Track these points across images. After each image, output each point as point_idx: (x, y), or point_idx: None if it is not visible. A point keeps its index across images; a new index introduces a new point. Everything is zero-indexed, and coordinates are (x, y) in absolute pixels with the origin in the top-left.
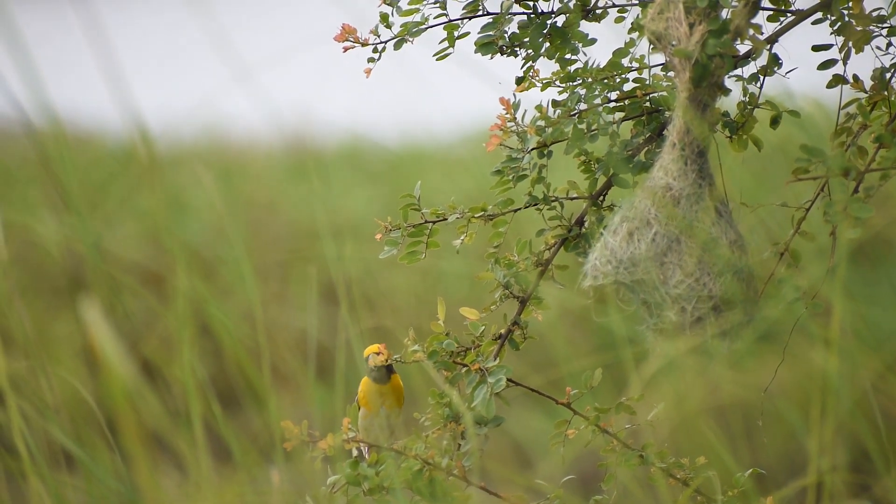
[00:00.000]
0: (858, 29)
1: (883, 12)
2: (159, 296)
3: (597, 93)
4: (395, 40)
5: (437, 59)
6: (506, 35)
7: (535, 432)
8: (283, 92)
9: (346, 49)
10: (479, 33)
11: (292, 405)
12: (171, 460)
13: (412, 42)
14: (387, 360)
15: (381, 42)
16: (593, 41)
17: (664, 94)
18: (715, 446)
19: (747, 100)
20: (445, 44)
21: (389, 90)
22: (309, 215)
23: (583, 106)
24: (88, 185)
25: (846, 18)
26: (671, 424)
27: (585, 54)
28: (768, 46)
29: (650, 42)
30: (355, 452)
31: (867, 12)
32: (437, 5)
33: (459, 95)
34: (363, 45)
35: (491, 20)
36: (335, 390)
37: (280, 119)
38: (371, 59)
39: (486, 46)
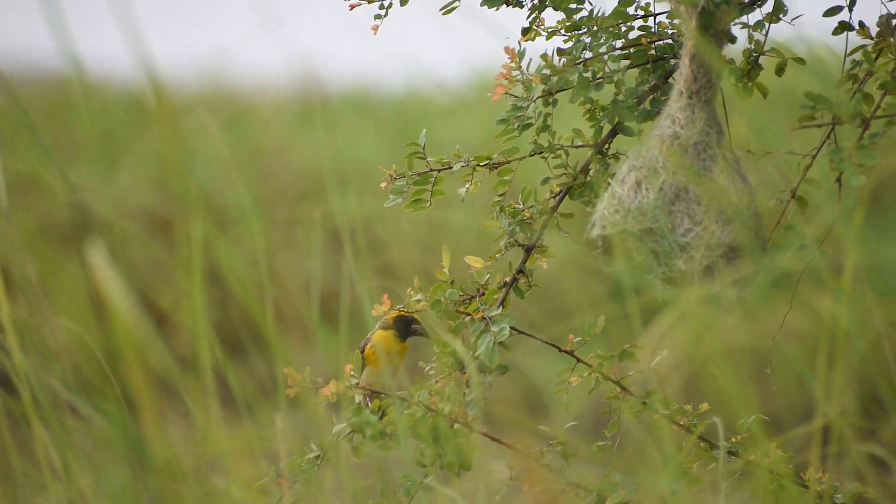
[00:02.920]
0: None
1: None
2: (167, 242)
3: (602, 41)
4: None
5: (443, 14)
6: None
7: (550, 378)
8: (291, 41)
9: (352, 7)
10: None
11: (299, 350)
12: (178, 408)
13: None
14: (406, 313)
15: None
16: None
17: (670, 41)
18: (725, 393)
19: (753, 47)
20: None
21: (396, 40)
22: (316, 162)
23: (588, 54)
24: (97, 131)
25: None
26: (682, 373)
27: (591, 3)
28: None
29: None
30: (358, 399)
31: None
32: None
33: (466, 42)
34: (370, 1)
35: None
36: (341, 334)
37: (289, 67)
38: (378, 17)
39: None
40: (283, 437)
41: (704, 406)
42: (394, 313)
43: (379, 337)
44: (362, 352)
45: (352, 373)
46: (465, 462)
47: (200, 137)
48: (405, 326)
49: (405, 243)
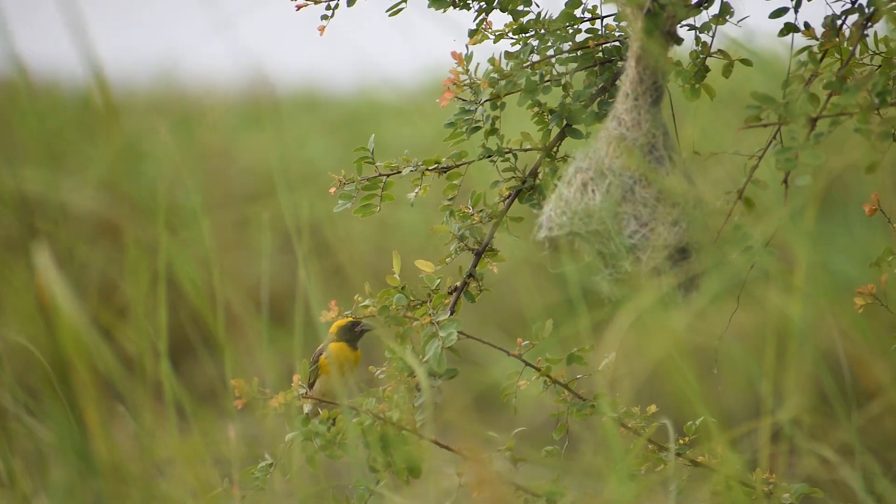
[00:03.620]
0: None
1: None
2: (116, 245)
3: (550, 44)
4: None
5: (390, 15)
6: None
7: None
8: (241, 41)
9: (298, 7)
10: None
11: (250, 351)
12: (129, 411)
13: None
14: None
15: None
16: None
17: (616, 44)
18: (676, 394)
19: (700, 49)
20: None
21: (347, 39)
22: (266, 163)
23: (536, 57)
24: (45, 133)
25: None
26: (634, 375)
27: (538, 5)
28: None
29: None
30: (308, 409)
31: None
32: None
33: (416, 45)
34: (316, 2)
35: None
36: (294, 336)
37: (238, 68)
38: (325, 17)
39: (440, 1)
40: (232, 442)
41: (652, 408)
42: (338, 323)
43: (333, 348)
44: (316, 362)
45: (300, 383)
46: (415, 469)
47: (150, 138)
48: (352, 334)
49: (356, 243)
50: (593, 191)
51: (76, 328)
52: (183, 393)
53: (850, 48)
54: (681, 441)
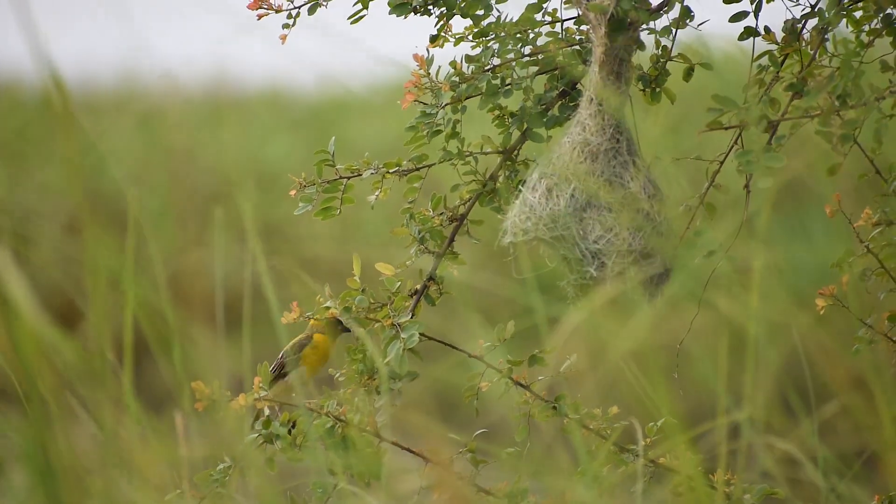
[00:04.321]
0: None
1: None
2: (80, 244)
3: (510, 48)
4: (309, 5)
5: (351, 23)
6: None
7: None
8: (203, 40)
9: (259, 17)
10: None
11: (209, 351)
12: (89, 413)
13: (325, 6)
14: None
15: (295, 7)
16: None
17: (577, 47)
18: (638, 395)
19: (660, 53)
20: (360, 6)
21: (309, 40)
22: (229, 162)
23: (496, 61)
24: (5, 133)
25: None
26: (596, 376)
27: (498, 10)
28: None
29: None
30: (267, 411)
31: None
32: None
33: (379, 43)
34: (277, 11)
35: None
36: (245, 336)
37: (201, 66)
38: (286, 25)
39: (401, 7)
40: (186, 444)
41: (614, 409)
42: (329, 315)
43: (319, 340)
44: (299, 352)
45: (260, 385)
46: (374, 472)
47: (112, 137)
48: (337, 330)
49: (319, 240)
50: (558, 196)
51: (35, 330)
52: (133, 396)
53: (811, 51)
54: (643, 442)
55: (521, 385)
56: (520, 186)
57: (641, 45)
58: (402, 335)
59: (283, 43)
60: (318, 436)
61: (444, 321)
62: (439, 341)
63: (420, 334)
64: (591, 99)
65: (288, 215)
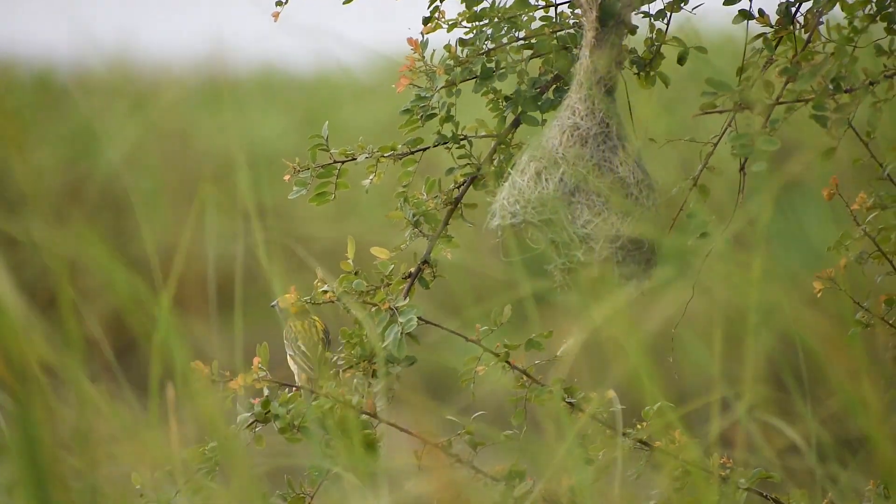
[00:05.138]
0: None
1: None
2: (74, 227)
3: (504, 32)
4: None
5: (344, 4)
6: None
7: (458, 363)
8: (194, 20)
9: None
10: None
11: (209, 331)
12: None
13: None
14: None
15: None
16: None
17: (571, 31)
18: (631, 377)
19: (654, 37)
20: None
21: (302, 19)
22: (223, 145)
23: (490, 45)
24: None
25: None
26: (589, 359)
27: None
28: None
29: None
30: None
31: None
32: None
33: (373, 24)
34: None
35: None
36: (249, 318)
37: (195, 47)
38: (279, 3)
39: None
40: (175, 431)
41: (610, 393)
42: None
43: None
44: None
45: (259, 366)
46: (375, 454)
47: (106, 119)
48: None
49: (315, 220)
50: (546, 179)
51: (15, 315)
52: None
53: (805, 35)
54: (638, 426)
55: (518, 369)
56: (509, 169)
57: (633, 29)
58: (400, 319)
59: (275, 20)
60: (316, 416)
61: (434, 304)
62: (437, 325)
63: (418, 318)
64: (581, 82)
65: (282, 196)
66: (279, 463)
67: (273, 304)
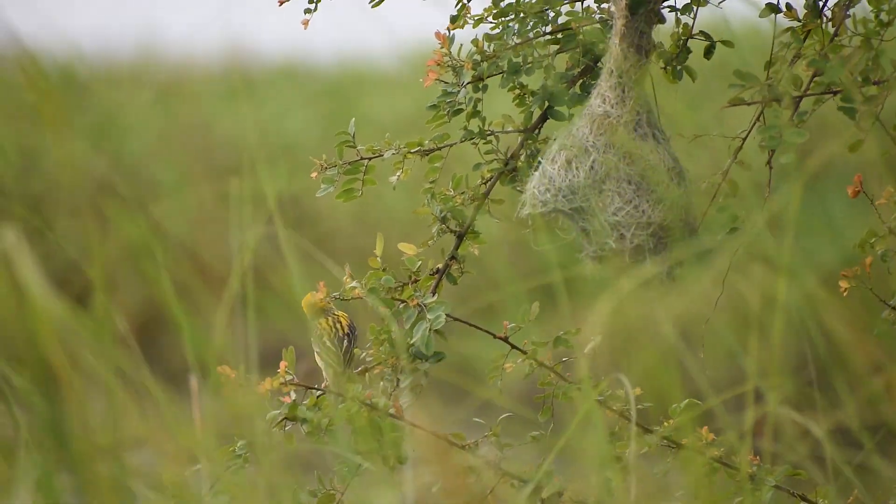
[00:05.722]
0: None
1: None
2: (100, 218)
3: (530, 27)
4: None
5: (372, 7)
6: None
7: (479, 356)
8: (218, 11)
9: (281, 2)
10: None
11: (229, 323)
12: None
13: None
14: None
15: None
16: None
17: (597, 26)
18: (654, 373)
19: (680, 31)
20: None
21: (328, 13)
22: (247, 136)
23: (517, 40)
24: (30, 104)
25: None
26: (612, 352)
27: None
28: None
29: None
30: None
31: None
32: None
33: (398, 17)
34: None
35: None
36: (270, 312)
37: (219, 39)
38: (308, 10)
39: None
40: (202, 414)
41: (637, 391)
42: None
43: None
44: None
45: (287, 370)
46: (402, 456)
47: (130, 111)
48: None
49: (338, 215)
50: (577, 168)
51: (45, 306)
52: (148, 373)
53: (833, 29)
54: (665, 423)
55: (547, 367)
56: (540, 159)
57: (662, 19)
58: (429, 316)
59: (305, 28)
60: (344, 420)
61: (446, 293)
62: (465, 322)
63: (447, 315)
64: (612, 71)
65: (306, 189)
66: (302, 448)
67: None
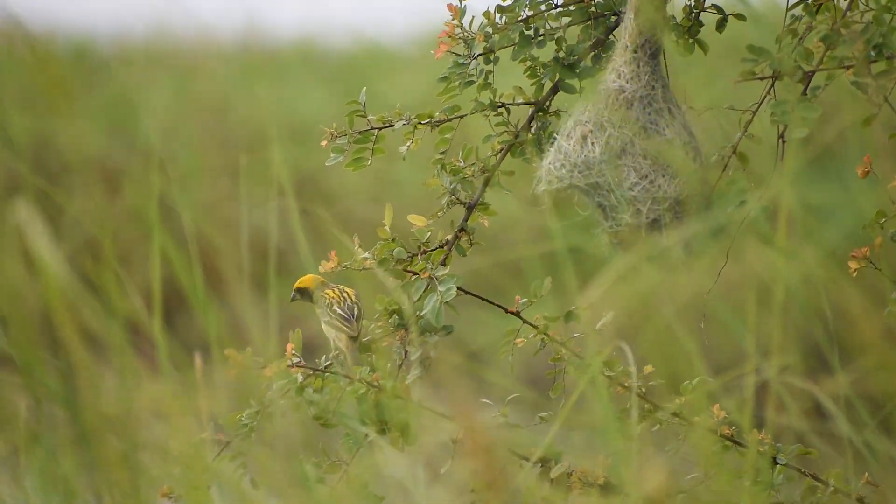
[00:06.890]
0: None
1: None
2: (113, 195)
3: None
4: None
5: None
6: None
7: (490, 329)
8: None
9: None
10: None
11: (241, 304)
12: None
13: None
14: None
15: None
16: None
17: None
18: (666, 348)
19: (693, 4)
20: None
21: None
22: (262, 115)
23: (528, 12)
24: (43, 83)
25: None
26: (622, 328)
27: None
28: None
29: None
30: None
31: None
32: None
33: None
34: None
35: None
36: (284, 290)
37: (235, 18)
38: None
39: None
40: (210, 387)
41: (648, 368)
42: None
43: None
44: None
45: (293, 352)
46: (410, 437)
47: (145, 90)
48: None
49: (352, 195)
50: (593, 143)
51: (60, 284)
52: (167, 347)
53: (844, 4)
54: (676, 400)
55: (558, 342)
56: (554, 135)
57: None
58: (440, 288)
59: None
60: (352, 401)
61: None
62: (476, 295)
63: (457, 287)
64: (627, 46)
65: (321, 169)
66: (311, 435)
67: (293, 297)
